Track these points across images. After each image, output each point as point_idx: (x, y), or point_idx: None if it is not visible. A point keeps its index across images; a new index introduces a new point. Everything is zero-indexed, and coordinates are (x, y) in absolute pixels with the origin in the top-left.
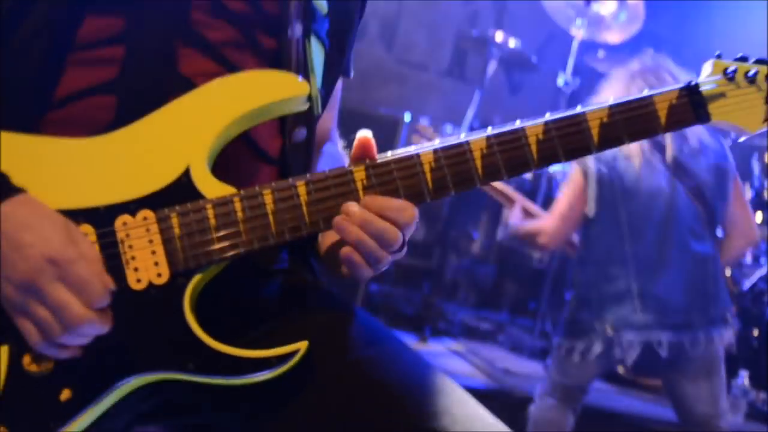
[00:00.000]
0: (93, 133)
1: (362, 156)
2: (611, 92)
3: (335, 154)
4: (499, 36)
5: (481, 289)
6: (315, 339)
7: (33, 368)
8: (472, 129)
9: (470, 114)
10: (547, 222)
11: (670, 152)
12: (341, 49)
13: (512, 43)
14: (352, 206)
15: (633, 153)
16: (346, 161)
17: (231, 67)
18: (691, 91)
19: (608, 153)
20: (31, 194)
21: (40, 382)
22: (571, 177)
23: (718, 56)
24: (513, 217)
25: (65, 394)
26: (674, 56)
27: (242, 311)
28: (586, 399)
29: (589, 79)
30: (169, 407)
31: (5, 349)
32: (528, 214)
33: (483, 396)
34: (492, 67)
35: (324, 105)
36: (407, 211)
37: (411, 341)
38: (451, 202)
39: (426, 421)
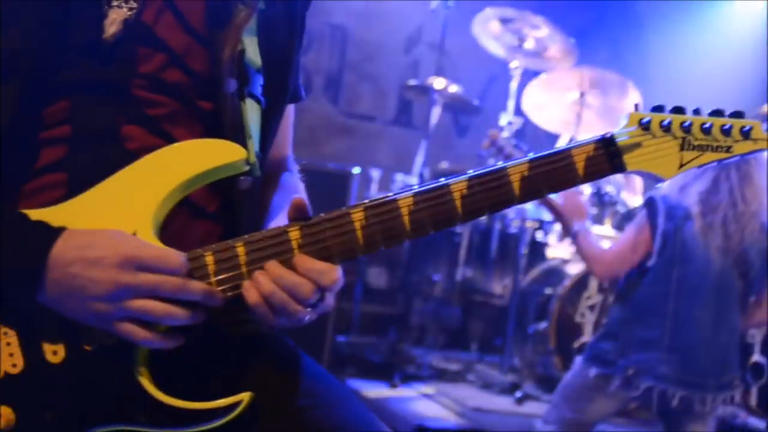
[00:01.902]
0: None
1: (297, 217)
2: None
3: (292, 186)
4: (439, 83)
5: (448, 331)
6: (261, 388)
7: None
8: (421, 177)
9: (419, 161)
10: (607, 255)
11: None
12: (282, 86)
13: (453, 88)
14: (270, 265)
15: (699, 225)
16: (302, 188)
17: (172, 141)
18: (606, 143)
19: (679, 215)
20: None
21: None
22: (639, 224)
23: (635, 107)
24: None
25: None
26: None
27: (196, 364)
28: None
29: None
30: None
31: None
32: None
33: None
34: (436, 113)
35: (265, 160)
36: (329, 274)
37: (381, 389)
38: (410, 248)
39: None
